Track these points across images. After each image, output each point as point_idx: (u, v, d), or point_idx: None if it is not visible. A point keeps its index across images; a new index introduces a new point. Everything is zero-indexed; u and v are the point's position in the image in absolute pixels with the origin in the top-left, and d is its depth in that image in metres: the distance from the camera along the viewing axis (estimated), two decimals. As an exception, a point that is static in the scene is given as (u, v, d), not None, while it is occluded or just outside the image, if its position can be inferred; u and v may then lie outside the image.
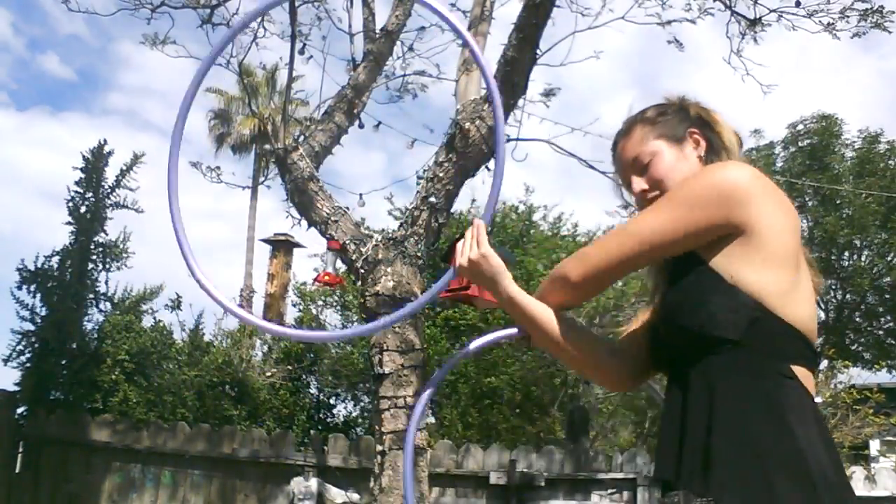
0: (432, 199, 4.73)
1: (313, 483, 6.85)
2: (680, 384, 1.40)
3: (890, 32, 5.73)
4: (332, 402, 9.46)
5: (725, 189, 1.38)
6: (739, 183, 1.39)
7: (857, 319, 20.12)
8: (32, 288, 7.87)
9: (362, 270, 4.75)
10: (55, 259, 7.99)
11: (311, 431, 8.11)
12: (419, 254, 4.77)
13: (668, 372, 1.47)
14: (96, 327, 8.16)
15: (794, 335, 1.37)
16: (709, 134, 1.59)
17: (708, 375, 1.34)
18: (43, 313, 7.86)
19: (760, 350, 1.34)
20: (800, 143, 19.87)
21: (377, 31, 5.66)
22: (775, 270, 1.37)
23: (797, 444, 1.27)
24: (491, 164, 4.91)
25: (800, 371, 1.35)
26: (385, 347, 4.55)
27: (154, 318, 8.54)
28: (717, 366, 1.34)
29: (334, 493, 6.89)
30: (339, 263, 5.06)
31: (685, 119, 1.61)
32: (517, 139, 5.06)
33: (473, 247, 1.53)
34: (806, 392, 1.35)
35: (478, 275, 1.55)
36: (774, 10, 5.96)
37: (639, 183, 1.58)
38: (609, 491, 6.93)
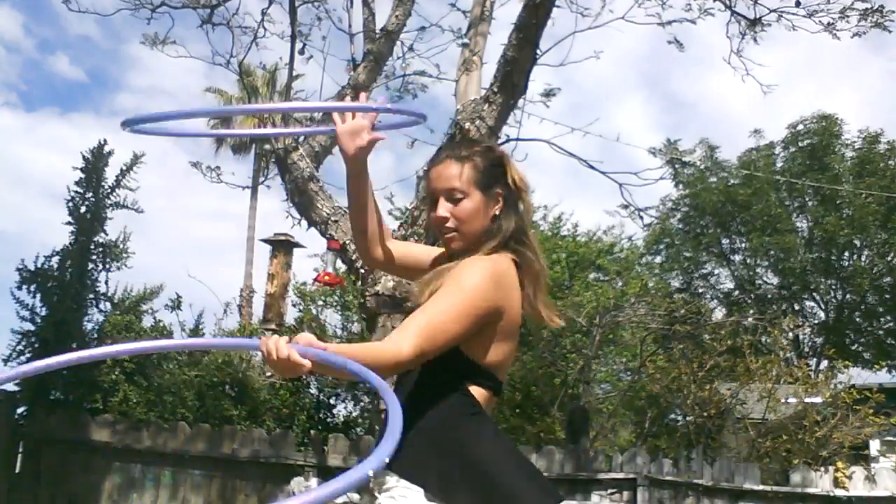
0: (432, 199, 4.72)
1: (313, 483, 6.84)
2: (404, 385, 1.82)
3: (890, 32, 5.74)
4: (332, 402, 9.44)
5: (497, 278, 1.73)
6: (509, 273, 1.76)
7: (857, 319, 20.11)
8: (32, 288, 7.86)
9: (362, 270, 4.75)
10: (55, 259, 7.97)
11: (312, 431, 8.10)
12: (419, 254, 4.76)
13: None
14: (96, 327, 8.15)
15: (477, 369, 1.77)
16: (515, 199, 1.87)
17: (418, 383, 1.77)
18: (43, 313, 7.85)
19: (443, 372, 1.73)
20: (800, 143, 19.87)
21: (377, 31, 5.67)
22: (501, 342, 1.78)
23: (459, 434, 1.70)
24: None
25: (476, 390, 1.76)
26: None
27: (154, 318, 8.53)
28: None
29: (334, 493, 6.87)
30: (339, 263, 5.06)
31: (501, 178, 1.87)
32: (517, 139, 5.06)
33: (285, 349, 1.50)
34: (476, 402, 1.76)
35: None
36: (774, 10, 5.97)
37: (444, 209, 1.80)
38: (609, 491, 6.93)
